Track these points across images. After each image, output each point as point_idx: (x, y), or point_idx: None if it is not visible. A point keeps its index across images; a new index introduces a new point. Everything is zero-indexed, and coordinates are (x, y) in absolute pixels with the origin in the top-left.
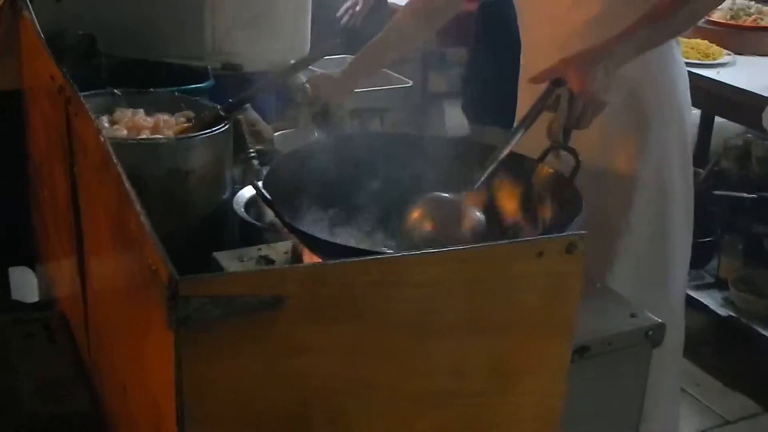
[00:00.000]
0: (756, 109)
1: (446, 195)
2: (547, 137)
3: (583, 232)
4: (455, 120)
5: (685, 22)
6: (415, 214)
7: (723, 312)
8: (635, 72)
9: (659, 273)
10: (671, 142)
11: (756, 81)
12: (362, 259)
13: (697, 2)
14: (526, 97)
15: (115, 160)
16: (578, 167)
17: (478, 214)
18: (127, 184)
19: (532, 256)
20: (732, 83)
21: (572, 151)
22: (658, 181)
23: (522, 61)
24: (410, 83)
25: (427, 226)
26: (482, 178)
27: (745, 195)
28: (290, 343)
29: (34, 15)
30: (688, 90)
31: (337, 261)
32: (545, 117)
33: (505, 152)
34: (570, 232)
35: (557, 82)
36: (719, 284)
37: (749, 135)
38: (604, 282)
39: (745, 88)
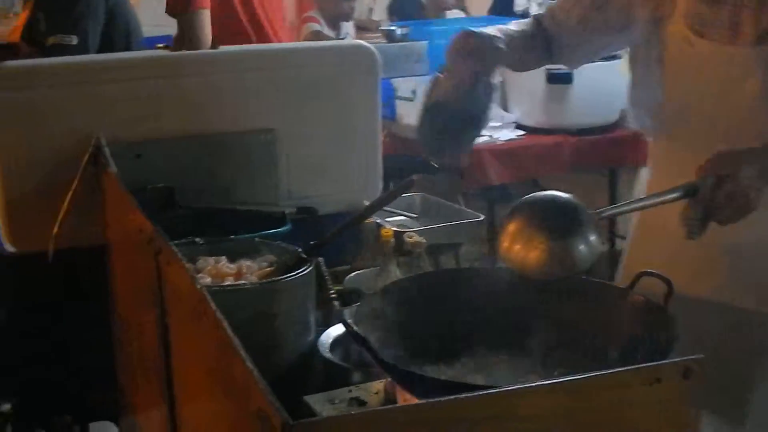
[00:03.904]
0: None
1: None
2: (682, 224)
3: (699, 356)
4: None
5: None
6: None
7: None
8: None
9: None
10: None
11: None
12: (474, 394)
13: None
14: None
15: (213, 307)
16: (671, 294)
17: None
18: (229, 330)
19: (649, 383)
20: None
21: (665, 279)
22: None
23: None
24: (482, 217)
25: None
26: (610, 213)
27: None
28: None
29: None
30: None
31: (450, 397)
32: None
33: (637, 205)
34: (686, 357)
35: (709, 177)
36: None
37: None
38: None
39: None
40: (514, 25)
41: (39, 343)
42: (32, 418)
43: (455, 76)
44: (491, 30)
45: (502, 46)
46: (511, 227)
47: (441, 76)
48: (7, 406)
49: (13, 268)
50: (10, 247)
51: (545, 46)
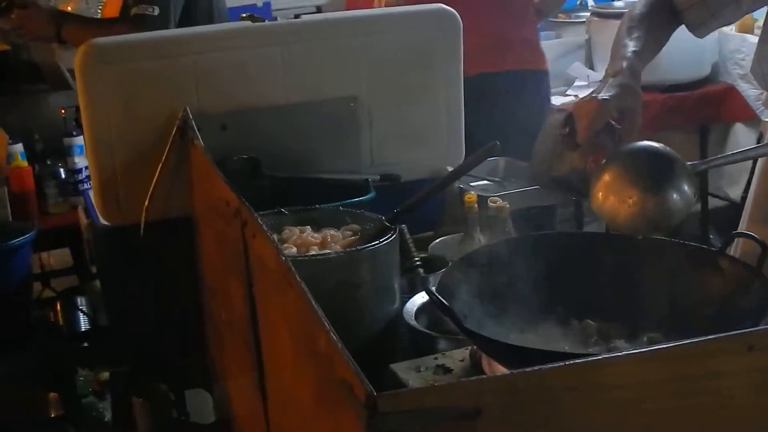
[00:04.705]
0: None
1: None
2: None
3: None
4: None
5: None
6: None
7: None
8: None
9: None
10: None
11: None
12: (560, 364)
13: None
14: None
15: (298, 279)
16: (765, 255)
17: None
18: (313, 302)
19: (742, 351)
20: None
21: (759, 241)
22: None
23: None
24: None
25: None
26: (712, 165)
27: None
28: None
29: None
30: None
31: (534, 368)
32: None
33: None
34: None
35: None
36: None
37: None
38: None
39: None
40: (639, 20)
41: (135, 313)
42: (129, 386)
43: (588, 160)
44: (625, 52)
45: (638, 90)
46: (605, 177)
47: (565, 136)
48: (105, 374)
49: (108, 240)
50: (104, 221)
51: (673, 21)
